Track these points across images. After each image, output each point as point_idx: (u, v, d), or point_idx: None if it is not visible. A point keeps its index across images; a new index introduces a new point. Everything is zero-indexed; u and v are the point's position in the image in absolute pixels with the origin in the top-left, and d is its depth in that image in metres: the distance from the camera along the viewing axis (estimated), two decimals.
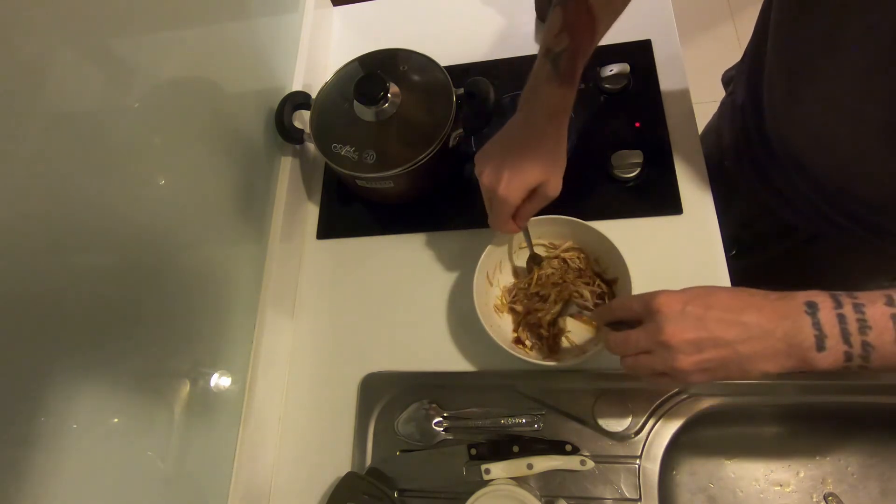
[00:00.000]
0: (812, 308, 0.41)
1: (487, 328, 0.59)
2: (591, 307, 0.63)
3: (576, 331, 0.64)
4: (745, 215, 0.73)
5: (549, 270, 0.66)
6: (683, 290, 0.45)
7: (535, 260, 0.66)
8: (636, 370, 0.47)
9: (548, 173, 0.55)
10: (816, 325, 0.40)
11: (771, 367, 0.42)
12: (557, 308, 0.63)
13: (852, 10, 0.44)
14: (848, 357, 0.40)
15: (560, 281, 0.65)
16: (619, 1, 0.57)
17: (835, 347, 0.40)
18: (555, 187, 0.56)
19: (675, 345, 0.43)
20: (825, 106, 0.52)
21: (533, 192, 0.56)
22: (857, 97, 0.48)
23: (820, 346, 0.40)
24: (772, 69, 0.58)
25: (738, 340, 0.42)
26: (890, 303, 0.39)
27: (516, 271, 0.69)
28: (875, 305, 0.39)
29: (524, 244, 0.67)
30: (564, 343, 0.64)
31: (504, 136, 0.57)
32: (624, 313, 0.49)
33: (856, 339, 0.39)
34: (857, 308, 0.40)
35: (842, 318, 0.40)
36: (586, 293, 0.63)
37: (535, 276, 0.66)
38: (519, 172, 0.54)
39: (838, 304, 0.40)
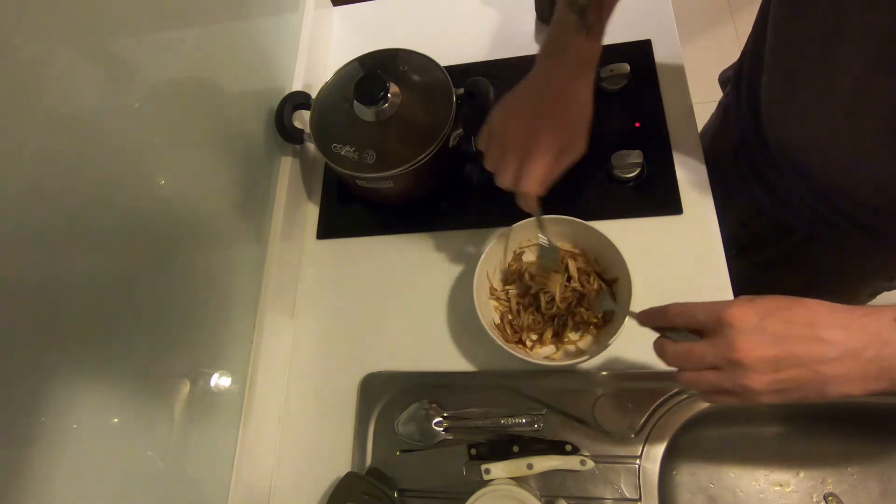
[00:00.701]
0: None
1: (487, 328, 0.59)
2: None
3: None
4: (742, 216, 0.73)
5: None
6: (757, 302, 0.41)
7: (551, 255, 0.62)
8: (698, 386, 0.43)
9: (580, 129, 0.53)
10: None
11: (855, 389, 0.38)
12: (560, 283, 0.62)
13: (849, 11, 0.44)
14: None
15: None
16: None
17: None
18: (580, 147, 0.53)
19: (750, 363, 0.39)
20: (822, 106, 0.52)
21: (559, 152, 0.52)
22: (854, 98, 0.48)
23: None
24: (769, 69, 0.58)
25: (822, 360, 0.38)
26: None
27: (515, 272, 0.68)
28: None
29: (521, 245, 0.67)
30: (570, 336, 0.63)
31: (531, 90, 0.53)
32: (683, 320, 0.44)
33: None
34: None
35: None
36: (594, 284, 0.63)
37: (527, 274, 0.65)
38: (554, 130, 0.51)
39: None
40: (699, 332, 0.43)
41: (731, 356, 0.39)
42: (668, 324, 0.46)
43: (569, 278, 0.64)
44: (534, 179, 0.52)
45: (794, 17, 0.51)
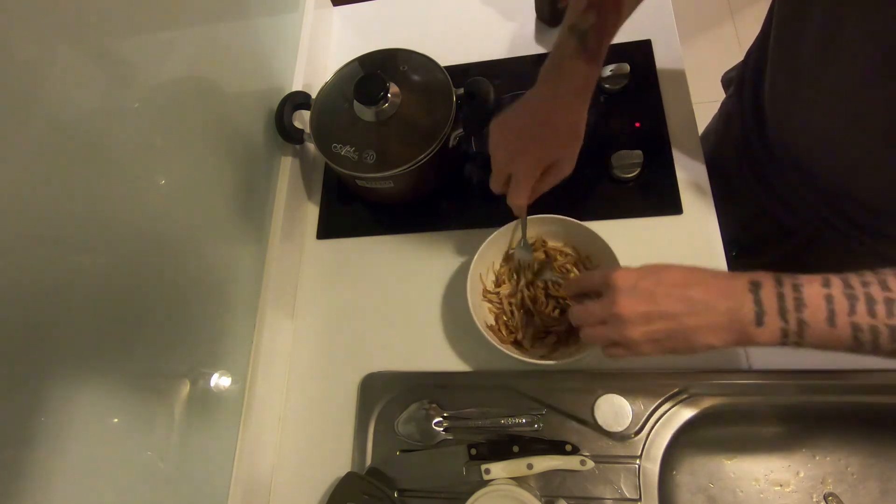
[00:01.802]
0: (755, 286, 0.43)
1: (482, 329, 0.59)
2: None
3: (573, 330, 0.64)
4: (744, 217, 0.73)
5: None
6: (639, 267, 0.48)
7: (525, 255, 0.66)
8: (593, 340, 0.50)
9: (567, 151, 0.56)
10: (757, 301, 0.42)
11: (714, 339, 0.44)
12: (530, 276, 0.66)
13: (852, 15, 0.44)
14: (784, 333, 0.42)
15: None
16: None
17: (772, 323, 0.42)
18: (570, 165, 0.57)
19: (627, 316, 0.46)
20: (825, 109, 0.52)
21: (548, 168, 0.56)
22: (856, 101, 0.48)
23: (759, 322, 0.42)
24: (773, 71, 0.58)
25: (684, 314, 0.44)
26: (826, 283, 0.42)
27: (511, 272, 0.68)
28: (812, 285, 0.42)
29: (513, 245, 0.67)
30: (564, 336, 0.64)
31: (527, 108, 0.57)
32: (587, 285, 0.54)
33: (791, 315, 0.42)
34: (796, 287, 0.42)
35: (780, 296, 0.42)
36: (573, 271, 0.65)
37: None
38: (540, 147, 0.55)
39: (779, 283, 0.43)
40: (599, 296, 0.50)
41: (614, 311, 0.46)
42: (578, 290, 0.56)
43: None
44: (518, 195, 0.57)
45: (796, 20, 0.51)
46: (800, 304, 0.42)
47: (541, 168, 0.56)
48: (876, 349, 0.41)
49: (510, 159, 0.56)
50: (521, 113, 0.57)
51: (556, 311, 0.64)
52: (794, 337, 0.42)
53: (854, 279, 0.42)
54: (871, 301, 0.40)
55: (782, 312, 0.42)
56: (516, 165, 0.56)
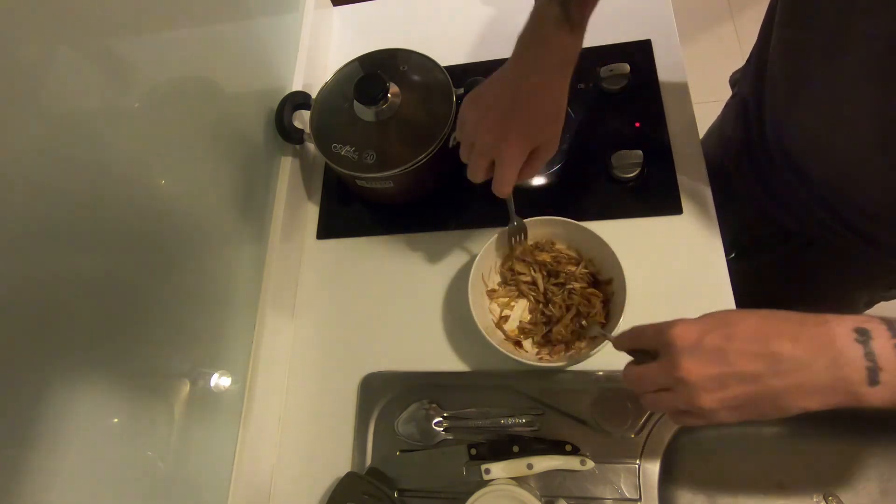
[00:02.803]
0: (864, 335, 0.36)
1: (482, 329, 0.59)
2: (603, 319, 0.62)
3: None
4: (743, 219, 0.73)
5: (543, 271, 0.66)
6: (702, 318, 0.41)
7: (519, 228, 0.63)
8: (657, 408, 0.43)
9: (552, 132, 0.52)
10: (869, 355, 0.35)
11: (811, 403, 0.37)
12: (569, 320, 0.63)
13: (850, 19, 0.44)
14: None
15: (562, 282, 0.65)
16: None
17: (890, 382, 0.35)
18: (554, 146, 0.53)
19: (694, 381, 0.38)
20: (822, 112, 0.52)
21: (533, 151, 0.52)
22: (852, 105, 0.48)
23: (873, 381, 0.35)
24: (773, 73, 0.58)
25: (769, 374, 0.37)
26: None
27: (510, 273, 0.68)
28: None
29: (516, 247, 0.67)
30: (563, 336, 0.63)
31: (505, 87, 0.51)
32: (639, 343, 0.45)
33: None
34: None
35: None
36: (597, 305, 0.63)
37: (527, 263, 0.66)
38: (527, 129, 0.50)
39: (894, 332, 0.36)
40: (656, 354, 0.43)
41: (677, 375, 0.39)
42: (630, 347, 0.46)
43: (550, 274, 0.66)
44: (505, 182, 0.52)
45: (798, 22, 0.51)
46: None
47: (527, 151, 0.51)
48: None
49: (493, 143, 0.51)
50: (501, 91, 0.51)
51: (573, 323, 0.63)
52: None
53: None
54: None
55: None
56: (501, 150, 0.51)
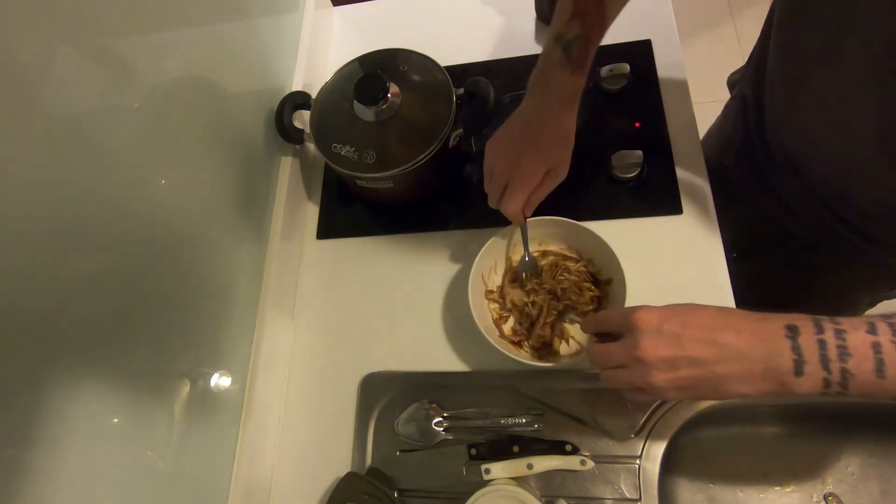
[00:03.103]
0: (793, 332, 0.40)
1: (483, 330, 0.59)
2: (586, 312, 0.63)
3: (573, 331, 0.64)
4: (744, 220, 0.73)
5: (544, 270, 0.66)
6: (664, 307, 0.45)
7: (532, 266, 0.66)
8: (613, 384, 0.47)
9: (561, 156, 0.57)
10: (796, 349, 0.40)
11: (747, 389, 0.41)
12: (552, 317, 0.64)
13: (850, 20, 0.44)
14: (826, 383, 0.39)
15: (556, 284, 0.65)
16: None
17: (813, 373, 0.39)
18: (565, 169, 0.58)
19: (650, 361, 0.43)
20: (822, 113, 0.52)
21: (545, 175, 0.57)
22: (851, 106, 0.48)
23: (798, 371, 0.39)
24: (773, 74, 0.58)
25: (714, 360, 0.42)
26: (872, 330, 0.39)
27: (511, 272, 0.68)
28: (857, 332, 0.39)
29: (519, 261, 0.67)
30: (561, 346, 0.63)
31: (517, 123, 0.58)
32: (607, 325, 0.50)
33: (835, 365, 0.39)
34: (839, 334, 0.39)
35: (822, 344, 0.39)
36: (585, 296, 0.63)
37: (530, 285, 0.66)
38: (535, 157, 0.56)
39: (819, 330, 0.40)
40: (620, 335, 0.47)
41: (635, 354, 0.44)
42: (598, 329, 0.51)
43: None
44: (513, 201, 0.57)
45: (798, 22, 0.51)
46: (843, 352, 0.38)
47: (539, 174, 0.56)
48: None
49: (507, 169, 0.57)
50: (514, 126, 0.58)
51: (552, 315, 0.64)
52: (837, 387, 0.39)
53: None
54: None
55: (824, 362, 0.39)
56: (514, 174, 0.56)
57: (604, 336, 0.50)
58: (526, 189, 0.57)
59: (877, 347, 0.38)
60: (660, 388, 0.44)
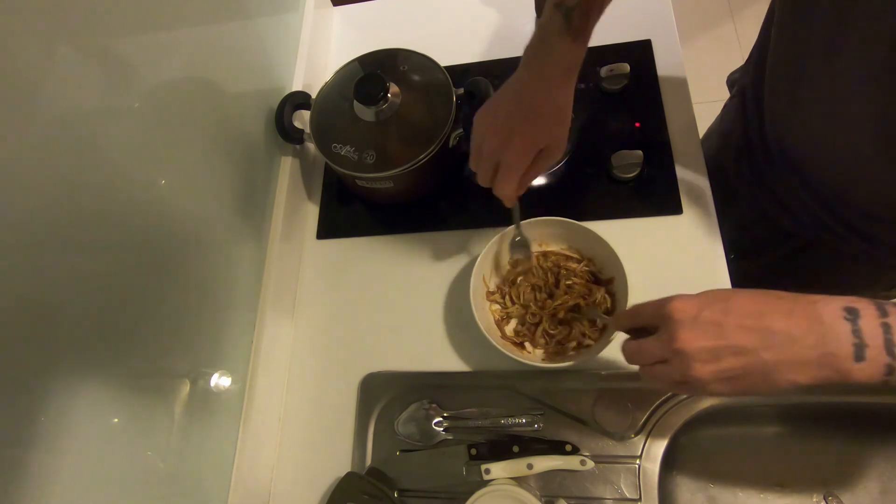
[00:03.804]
0: (852, 314, 0.37)
1: (484, 330, 0.59)
2: (609, 305, 0.62)
3: (584, 330, 0.64)
4: (743, 220, 0.73)
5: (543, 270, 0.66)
6: (701, 294, 0.43)
7: (523, 246, 0.64)
8: (654, 380, 0.44)
9: (557, 134, 0.53)
10: (856, 332, 0.37)
11: (801, 377, 0.38)
12: (567, 304, 0.63)
13: (851, 18, 0.44)
14: (889, 370, 0.36)
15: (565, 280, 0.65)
16: None
17: (876, 359, 0.36)
18: (560, 148, 0.54)
19: (690, 353, 0.40)
20: (823, 112, 0.52)
21: (538, 154, 0.53)
22: (852, 104, 0.48)
23: (859, 356, 0.36)
24: (773, 72, 0.58)
25: (762, 348, 0.39)
26: None
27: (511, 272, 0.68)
28: None
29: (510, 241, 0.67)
30: (573, 344, 0.63)
31: (510, 95, 0.53)
32: (640, 320, 0.47)
33: None
34: None
35: (886, 328, 0.36)
36: (599, 294, 0.63)
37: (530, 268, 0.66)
38: (529, 132, 0.52)
39: (883, 313, 0.37)
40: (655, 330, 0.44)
41: (674, 347, 0.41)
42: (630, 325, 0.48)
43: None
44: (507, 184, 0.54)
45: (798, 21, 0.51)
46: None
47: (532, 154, 0.52)
48: None
49: (499, 147, 0.52)
50: (506, 99, 0.53)
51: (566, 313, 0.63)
52: None
53: None
54: None
55: (889, 347, 0.36)
56: (506, 153, 0.52)
57: (638, 332, 0.47)
58: (519, 170, 0.53)
59: None
60: (703, 381, 0.40)
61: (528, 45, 0.53)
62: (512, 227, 0.63)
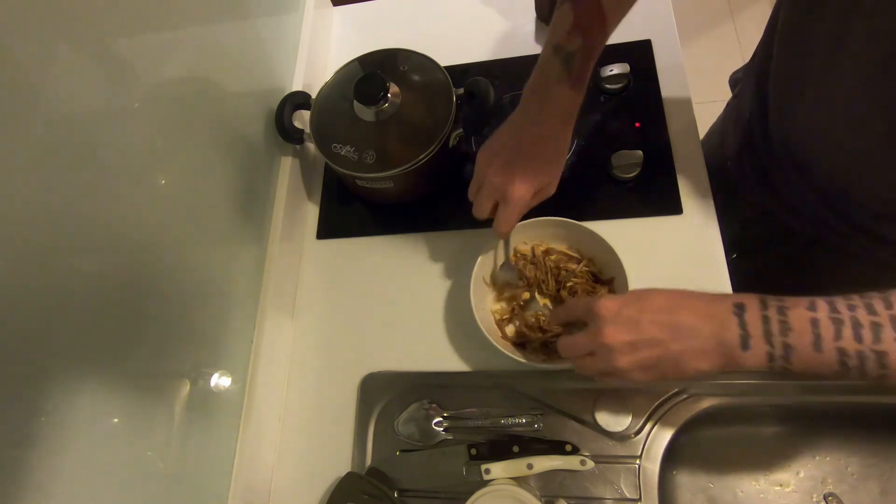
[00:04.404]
0: (740, 309, 0.43)
1: (484, 330, 0.59)
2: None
3: None
4: (744, 218, 0.73)
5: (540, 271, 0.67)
6: (624, 294, 0.49)
7: (509, 275, 0.66)
8: (584, 371, 0.49)
9: (554, 173, 0.57)
10: (742, 324, 0.42)
11: (703, 364, 0.44)
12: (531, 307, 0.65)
13: (859, 13, 0.44)
14: (770, 357, 0.41)
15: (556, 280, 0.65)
16: (627, 1, 0.56)
17: (758, 347, 0.42)
18: (555, 185, 0.58)
19: (613, 346, 0.45)
20: (829, 108, 0.52)
21: (535, 192, 0.57)
22: (858, 101, 0.48)
23: (744, 345, 0.42)
24: (778, 69, 0.58)
25: (670, 339, 0.44)
26: (812, 307, 0.41)
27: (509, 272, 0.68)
28: (797, 309, 0.41)
29: (519, 248, 0.67)
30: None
31: (512, 135, 0.57)
32: (572, 316, 0.53)
33: (777, 339, 0.41)
34: (781, 310, 0.42)
35: (765, 319, 0.42)
36: (603, 293, 0.63)
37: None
38: (530, 174, 0.55)
39: (764, 306, 0.42)
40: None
41: (599, 341, 0.46)
42: (564, 320, 0.55)
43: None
44: (507, 221, 0.57)
45: (803, 18, 0.51)
46: (785, 327, 0.41)
47: (532, 193, 0.56)
48: (863, 374, 0.40)
49: (501, 186, 0.55)
50: (508, 139, 0.57)
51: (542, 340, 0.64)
52: (781, 361, 0.41)
53: (840, 303, 0.41)
54: (857, 325, 0.40)
55: (767, 336, 0.41)
56: (508, 192, 0.55)
57: (570, 326, 0.53)
58: (520, 208, 0.56)
59: (815, 323, 0.41)
60: (625, 370, 0.46)
61: (528, 86, 0.57)
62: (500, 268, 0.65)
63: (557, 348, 0.51)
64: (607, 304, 0.47)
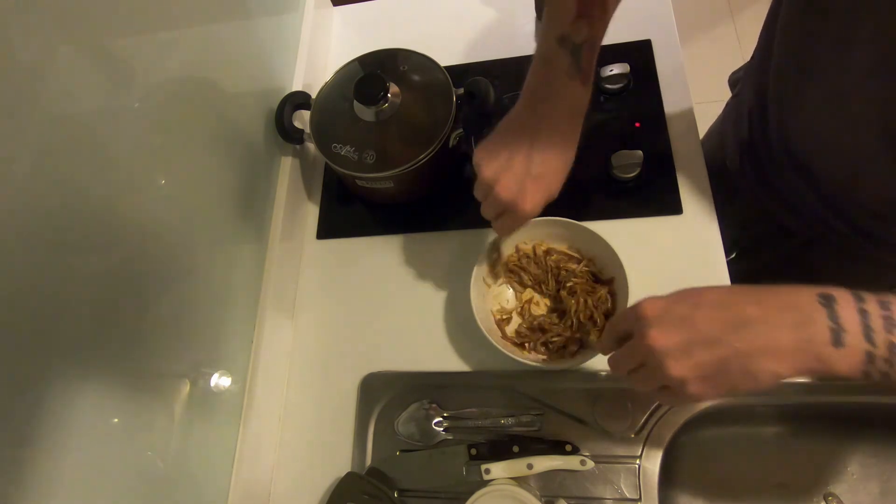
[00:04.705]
0: (827, 300, 0.35)
1: (484, 330, 0.59)
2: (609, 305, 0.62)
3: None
4: (744, 218, 0.73)
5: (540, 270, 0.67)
6: (671, 293, 0.41)
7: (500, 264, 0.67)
8: (638, 386, 0.43)
9: (562, 181, 0.53)
10: (833, 317, 0.34)
11: (780, 367, 0.35)
12: (567, 333, 0.62)
13: (862, 11, 0.43)
14: (870, 358, 0.34)
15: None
16: None
17: (855, 345, 0.34)
18: (557, 192, 0.55)
19: (661, 349, 0.38)
20: (830, 107, 0.52)
21: None
22: (859, 99, 0.48)
23: (837, 341, 0.34)
24: (779, 68, 0.57)
25: (733, 336, 0.36)
26: None
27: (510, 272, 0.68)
28: None
29: (520, 247, 0.67)
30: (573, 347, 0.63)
31: (522, 140, 0.51)
32: (619, 330, 0.45)
33: (881, 337, 0.34)
34: (884, 304, 0.34)
35: (864, 314, 0.34)
36: (602, 292, 0.62)
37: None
38: (543, 188, 0.51)
39: (860, 299, 0.35)
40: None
41: (645, 345, 0.39)
42: (613, 336, 0.46)
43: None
44: (512, 228, 0.56)
45: (804, 16, 0.50)
46: (891, 323, 0.34)
47: (543, 205, 0.53)
48: None
49: (512, 200, 0.51)
50: (517, 147, 0.51)
51: (570, 329, 0.63)
52: (883, 364, 0.34)
53: None
54: None
55: (867, 333, 0.34)
56: (518, 205, 0.51)
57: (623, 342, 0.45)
58: (527, 219, 0.54)
59: None
60: (681, 380, 0.38)
61: (530, 82, 0.51)
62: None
63: (608, 366, 0.46)
64: (652, 304, 0.40)
